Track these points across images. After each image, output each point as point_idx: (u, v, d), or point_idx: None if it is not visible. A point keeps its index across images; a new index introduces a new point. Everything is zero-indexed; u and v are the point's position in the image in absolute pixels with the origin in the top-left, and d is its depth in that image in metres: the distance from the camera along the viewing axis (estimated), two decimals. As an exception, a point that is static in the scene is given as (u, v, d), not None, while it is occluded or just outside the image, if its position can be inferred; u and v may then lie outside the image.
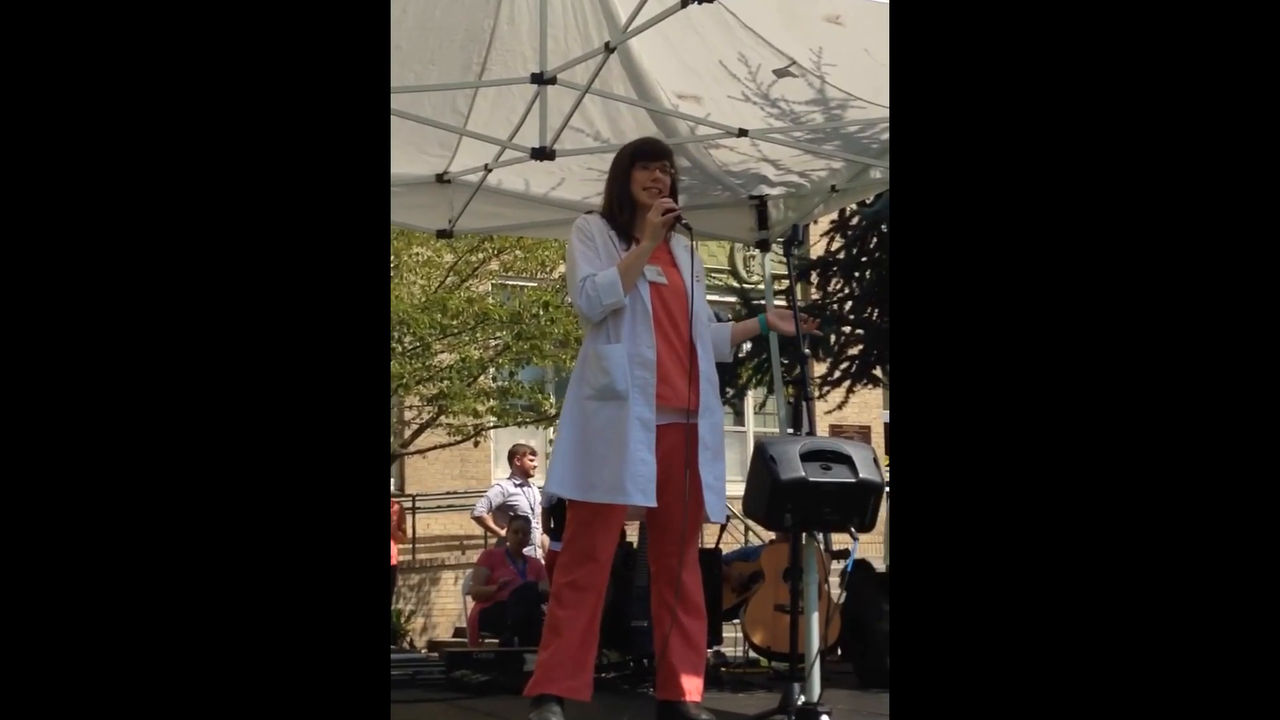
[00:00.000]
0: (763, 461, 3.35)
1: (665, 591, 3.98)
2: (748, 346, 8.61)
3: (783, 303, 6.08)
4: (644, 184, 4.12)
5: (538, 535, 9.24)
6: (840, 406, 9.18)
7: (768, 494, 3.32)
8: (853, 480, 3.34)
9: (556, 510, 8.77)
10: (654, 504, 3.84)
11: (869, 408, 17.53)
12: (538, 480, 9.90)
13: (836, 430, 16.29)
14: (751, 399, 12.15)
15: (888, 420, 19.03)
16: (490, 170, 5.65)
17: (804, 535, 3.55)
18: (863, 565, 7.24)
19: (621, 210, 4.15)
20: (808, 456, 3.34)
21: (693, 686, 3.92)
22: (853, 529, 3.40)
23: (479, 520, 10.22)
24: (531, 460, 10.04)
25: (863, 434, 18.02)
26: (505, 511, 9.86)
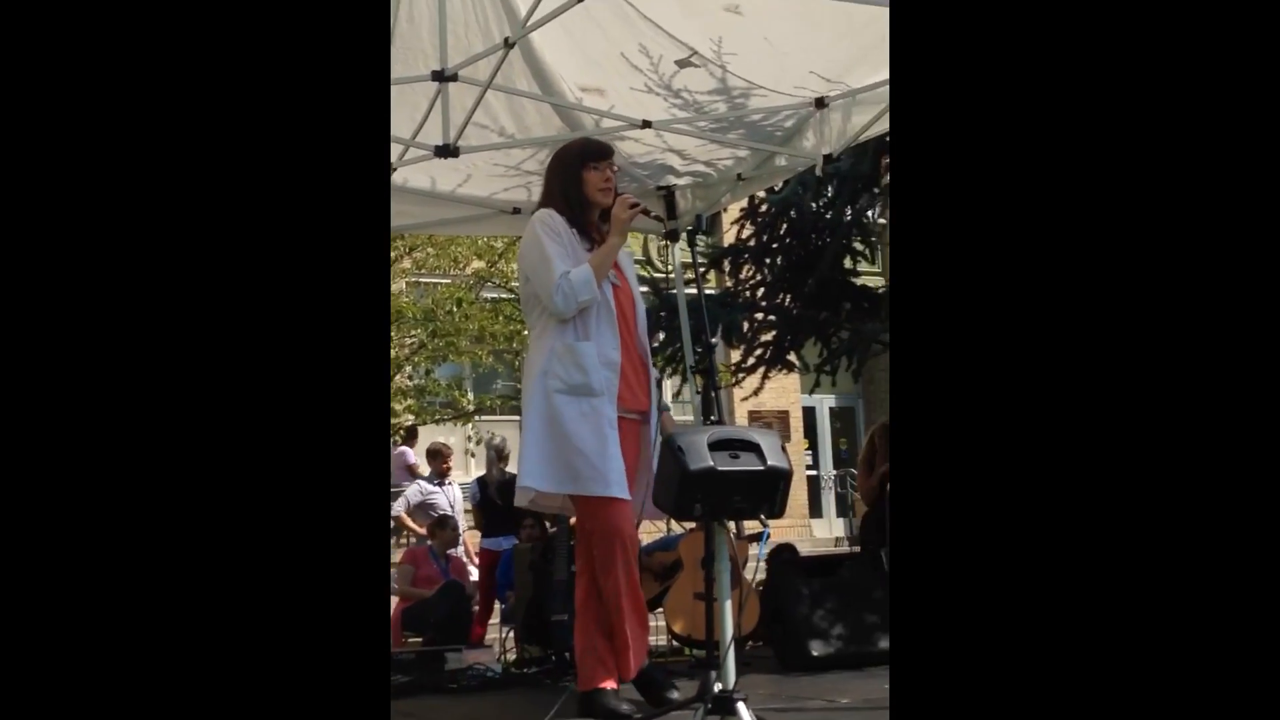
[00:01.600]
0: (671, 452, 3.36)
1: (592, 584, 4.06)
2: (661, 336, 8.65)
3: (692, 291, 6.11)
4: (598, 185, 4.18)
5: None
6: (756, 392, 9.25)
7: (677, 484, 3.33)
8: (761, 468, 3.36)
9: (486, 506, 8.77)
10: (630, 498, 3.94)
11: (786, 392, 17.65)
12: (460, 478, 9.91)
13: (755, 416, 16.41)
14: (668, 388, 12.19)
15: (805, 404, 19.21)
16: (395, 169, 5.62)
17: (715, 524, 3.57)
18: (784, 549, 7.31)
19: (583, 209, 4.18)
20: (715, 446, 3.35)
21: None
22: (762, 516, 3.42)
23: (397, 519, 10.19)
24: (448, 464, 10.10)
25: (781, 419, 18.16)
26: (423, 510, 9.85)
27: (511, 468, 8.02)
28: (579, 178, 4.18)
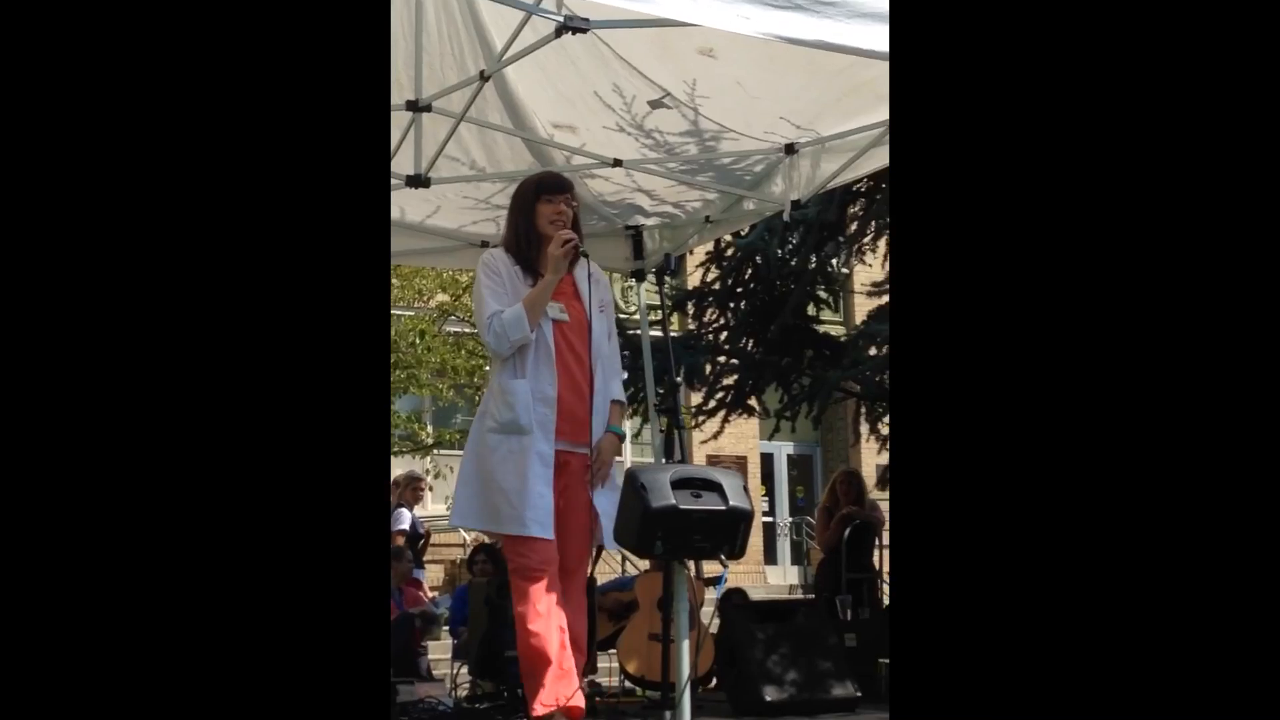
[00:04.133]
0: (633, 489, 3.36)
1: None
2: (624, 375, 8.64)
3: (658, 333, 6.12)
4: (549, 217, 4.15)
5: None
6: (716, 436, 9.25)
7: (639, 522, 3.33)
8: (723, 508, 3.37)
9: (414, 539, 8.72)
10: (550, 537, 3.90)
11: (745, 438, 17.64)
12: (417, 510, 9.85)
13: (713, 460, 16.35)
14: (628, 428, 12.18)
15: (764, 450, 19.21)
16: (365, 197, 5.61)
17: (675, 564, 3.56)
18: (736, 593, 7.30)
19: (529, 244, 4.17)
20: (678, 484, 3.36)
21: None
22: (722, 556, 3.42)
23: None
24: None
25: (739, 464, 18.13)
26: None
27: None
28: (532, 210, 4.19)
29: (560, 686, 3.85)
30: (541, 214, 4.16)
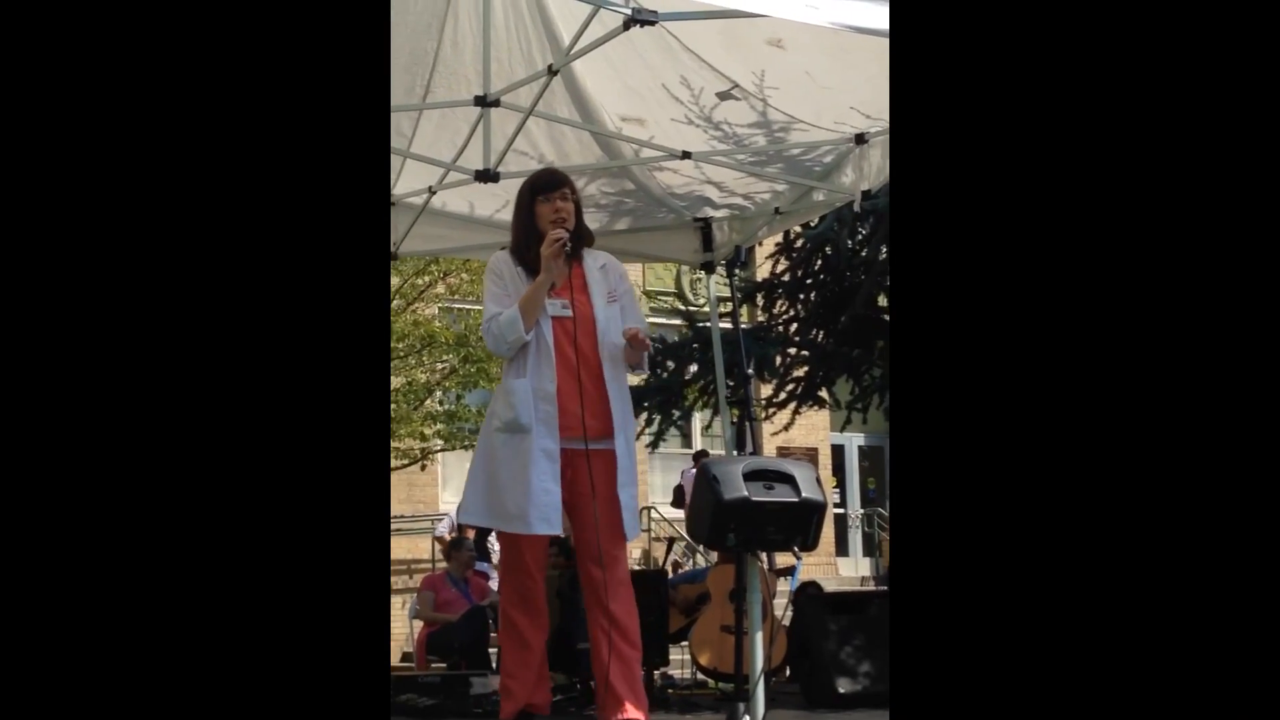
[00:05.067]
0: (706, 482, 3.36)
1: (597, 614, 4.09)
2: (693, 368, 8.63)
3: (728, 325, 6.11)
4: (548, 217, 4.20)
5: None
6: (786, 428, 9.22)
7: (711, 514, 3.33)
8: (795, 499, 3.36)
9: (484, 531, 8.79)
10: (559, 532, 4.04)
11: (816, 429, 17.59)
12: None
13: (783, 452, 16.33)
14: (698, 420, 12.17)
15: (834, 442, 19.13)
16: (434, 192, 5.64)
17: (748, 555, 3.55)
18: (809, 585, 7.28)
19: (529, 246, 4.21)
20: (750, 476, 3.35)
21: (637, 710, 4.01)
22: (796, 548, 3.40)
23: (440, 540, 10.21)
24: None
25: (810, 456, 18.07)
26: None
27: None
28: (531, 211, 4.24)
29: (540, 695, 4.14)
30: (541, 214, 4.20)
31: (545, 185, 4.27)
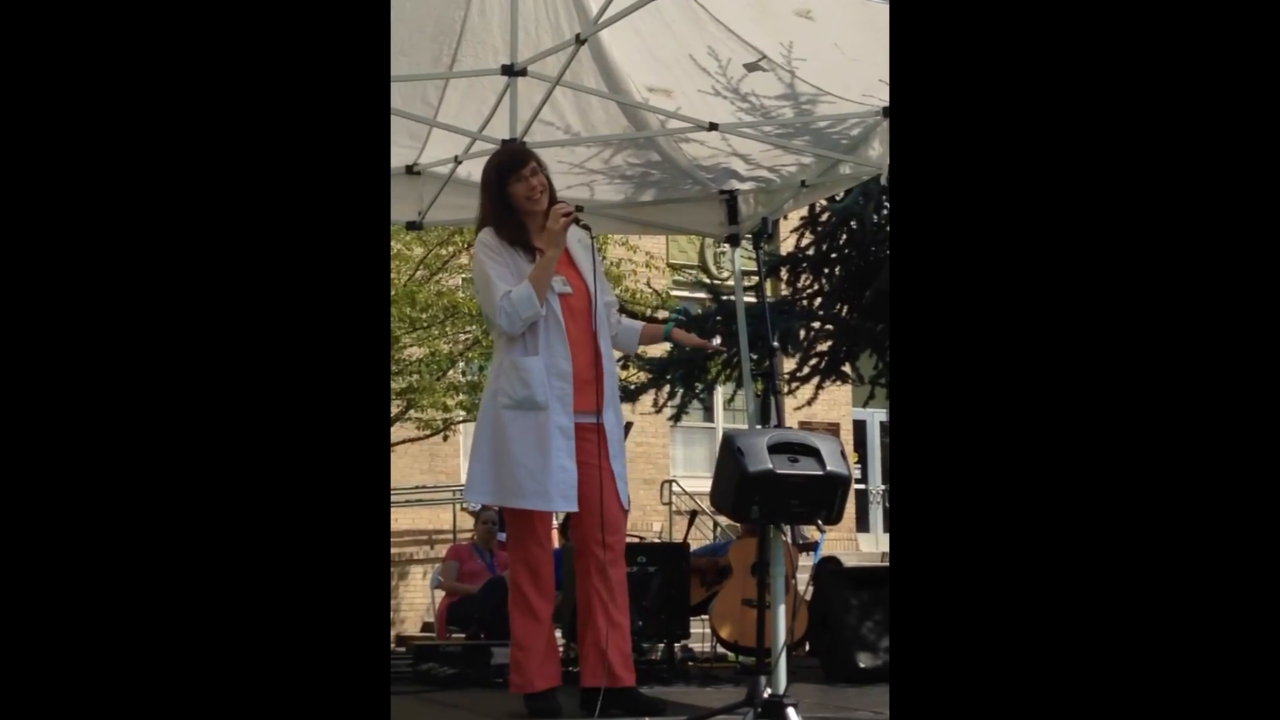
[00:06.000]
0: (730, 453, 3.34)
1: (595, 580, 4.19)
2: (716, 341, 8.61)
3: (752, 298, 6.09)
4: (525, 195, 4.19)
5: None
6: (810, 403, 9.20)
7: (735, 486, 3.32)
8: (820, 473, 3.34)
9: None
10: (575, 509, 4.09)
11: (838, 404, 17.58)
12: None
13: (807, 426, 16.30)
14: (720, 394, 12.15)
15: (856, 418, 19.10)
16: (460, 162, 5.63)
17: (771, 528, 3.54)
18: (830, 560, 7.27)
19: (515, 225, 4.21)
20: (775, 449, 3.34)
21: (629, 673, 4.20)
22: (820, 521, 3.40)
23: (473, 513, 10.23)
24: None
25: (832, 430, 18.05)
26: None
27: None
28: (506, 195, 4.21)
29: (550, 667, 4.20)
30: (517, 194, 4.19)
31: (510, 165, 4.25)
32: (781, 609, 3.66)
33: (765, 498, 3.34)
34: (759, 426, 4.30)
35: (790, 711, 3.28)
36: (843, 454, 3.46)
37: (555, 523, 5.18)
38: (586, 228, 4.24)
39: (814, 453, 3.37)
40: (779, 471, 3.30)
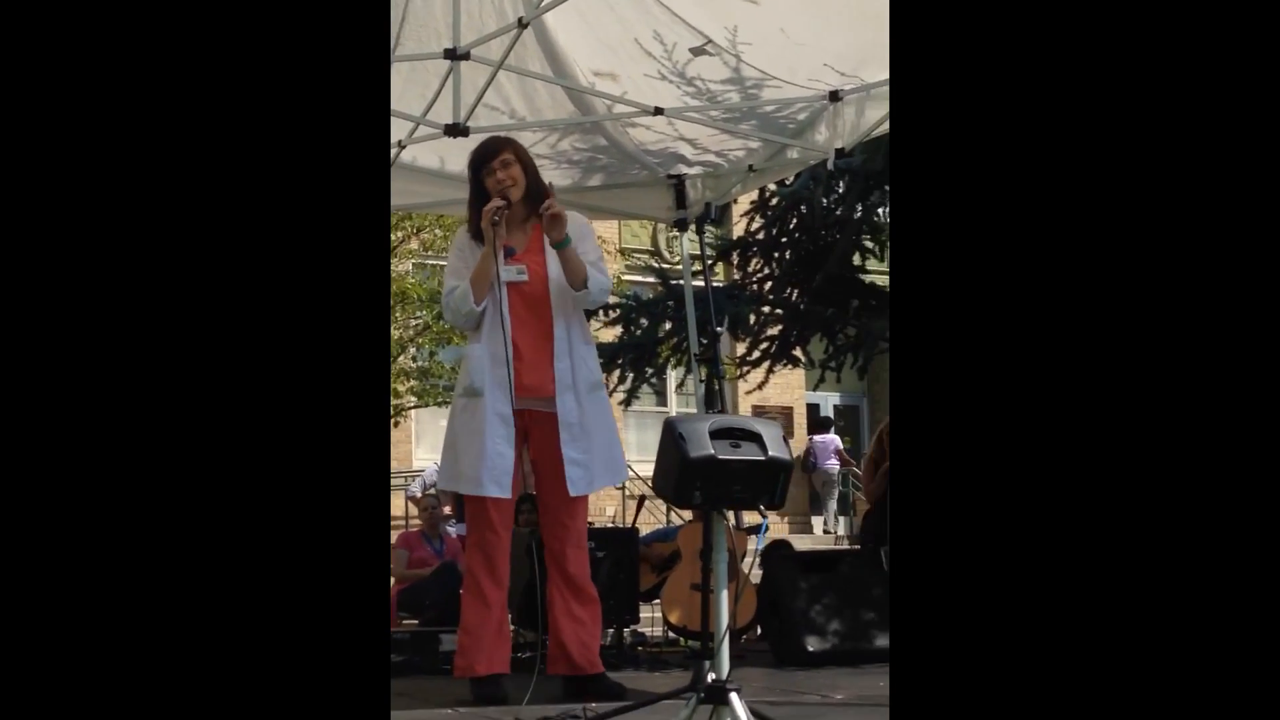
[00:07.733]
0: (671, 439, 3.33)
1: (551, 570, 4.35)
2: (666, 326, 8.60)
3: (700, 283, 6.09)
4: (494, 188, 4.32)
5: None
6: (760, 387, 9.21)
7: (676, 472, 3.31)
8: (762, 458, 3.33)
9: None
10: (509, 495, 4.18)
11: (791, 388, 17.63)
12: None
13: (759, 411, 16.36)
14: (672, 378, 12.15)
15: (810, 401, 19.15)
16: (404, 147, 5.59)
17: (714, 514, 3.54)
18: (779, 545, 7.29)
19: (478, 220, 4.33)
20: (717, 434, 3.32)
21: (594, 660, 4.34)
22: (762, 506, 3.39)
23: (414, 500, 10.21)
24: None
25: (785, 414, 18.11)
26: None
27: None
28: (480, 187, 4.36)
29: (501, 651, 4.30)
30: (490, 188, 4.31)
31: (481, 158, 4.38)
32: (725, 594, 3.66)
33: (707, 483, 3.33)
34: (704, 412, 4.29)
35: (733, 696, 3.27)
36: (785, 439, 3.46)
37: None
38: (495, 223, 4.22)
39: (756, 438, 3.36)
40: (720, 457, 3.30)
